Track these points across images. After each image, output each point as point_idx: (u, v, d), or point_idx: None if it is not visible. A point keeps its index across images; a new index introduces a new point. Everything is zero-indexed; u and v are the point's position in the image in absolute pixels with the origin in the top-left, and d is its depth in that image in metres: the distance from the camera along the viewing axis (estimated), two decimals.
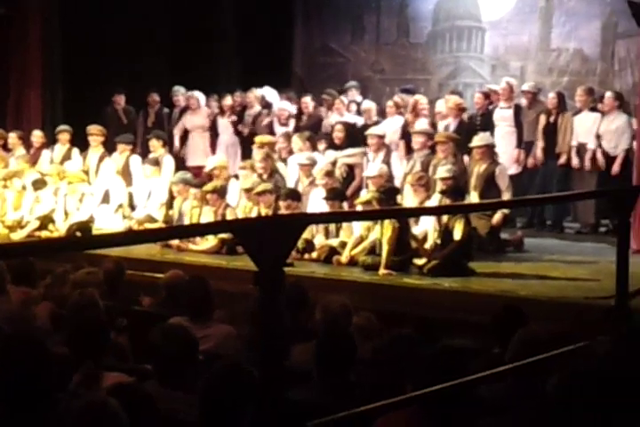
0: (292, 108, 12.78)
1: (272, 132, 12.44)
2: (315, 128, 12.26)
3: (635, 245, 9.09)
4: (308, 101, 12.72)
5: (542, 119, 11.32)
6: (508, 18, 14.45)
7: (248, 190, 10.22)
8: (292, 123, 12.58)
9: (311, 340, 4.89)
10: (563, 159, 11.17)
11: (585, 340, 4.56)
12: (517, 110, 11.58)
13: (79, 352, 4.66)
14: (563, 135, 11.15)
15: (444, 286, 8.19)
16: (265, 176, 10.57)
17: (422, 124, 11.29)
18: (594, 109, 11.10)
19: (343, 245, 9.32)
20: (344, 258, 9.16)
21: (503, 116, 11.56)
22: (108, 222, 11.24)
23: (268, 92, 13.34)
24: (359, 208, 8.99)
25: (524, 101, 11.76)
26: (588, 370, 3.36)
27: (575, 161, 11.07)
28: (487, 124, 11.43)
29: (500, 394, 4.31)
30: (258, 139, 11.72)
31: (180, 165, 12.60)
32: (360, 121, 12.02)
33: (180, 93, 13.65)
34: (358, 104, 12.81)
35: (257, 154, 11.12)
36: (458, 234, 8.73)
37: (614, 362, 3.33)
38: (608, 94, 11.05)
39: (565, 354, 4.28)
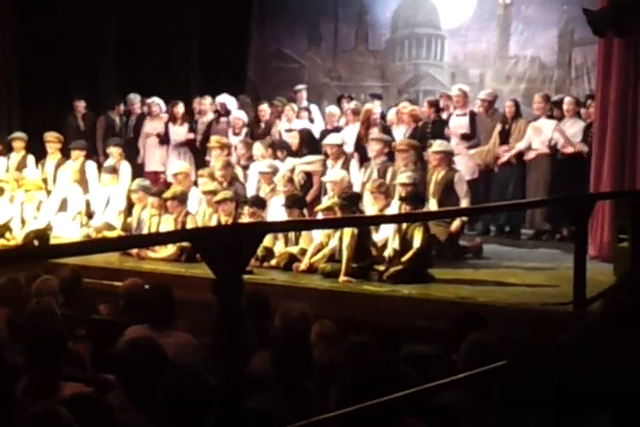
0: (246, 118, 12.75)
1: None
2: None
3: (592, 252, 9.17)
4: (265, 109, 12.76)
5: (498, 127, 11.40)
6: (467, 26, 14.56)
7: (208, 193, 10.20)
8: (244, 132, 12.56)
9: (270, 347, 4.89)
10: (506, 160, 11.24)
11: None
12: (472, 117, 11.64)
13: (36, 362, 4.61)
14: (514, 141, 11.24)
15: (403, 293, 8.20)
16: (225, 184, 10.53)
17: (374, 133, 11.32)
18: (551, 117, 11.19)
19: (303, 252, 9.31)
20: (303, 265, 9.15)
21: (459, 124, 11.60)
22: (65, 230, 11.15)
23: (227, 100, 13.31)
24: (320, 215, 9.00)
25: (477, 108, 11.81)
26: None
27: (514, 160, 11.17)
28: (438, 132, 11.44)
29: (460, 401, 4.32)
30: (215, 139, 11.65)
31: (139, 171, 12.55)
32: (312, 127, 12.06)
33: (137, 101, 13.61)
34: (307, 110, 12.88)
35: (216, 162, 11.08)
36: (417, 241, 8.75)
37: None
38: (567, 99, 11.14)
39: None
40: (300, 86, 13.80)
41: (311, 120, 12.63)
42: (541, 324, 6.85)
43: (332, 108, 12.58)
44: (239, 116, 12.75)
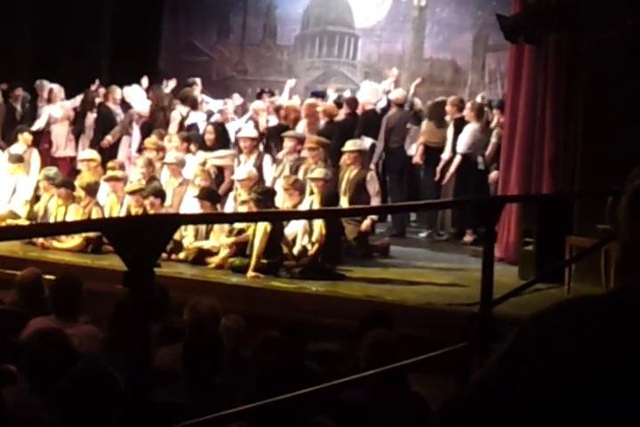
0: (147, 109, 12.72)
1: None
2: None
3: (497, 254, 9.31)
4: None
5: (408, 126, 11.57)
6: (381, 26, 14.63)
7: (116, 181, 10.10)
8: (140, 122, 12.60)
9: (175, 341, 4.85)
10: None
11: (446, 346, 4.62)
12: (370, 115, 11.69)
13: None
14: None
15: (311, 290, 8.22)
16: (143, 182, 10.39)
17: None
18: (459, 120, 11.29)
19: (213, 248, 9.29)
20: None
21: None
22: None
23: (132, 91, 13.20)
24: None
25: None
26: None
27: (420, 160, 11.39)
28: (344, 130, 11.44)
29: (363, 398, 4.34)
30: (151, 140, 11.43)
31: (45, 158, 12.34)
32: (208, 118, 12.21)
33: (47, 88, 13.39)
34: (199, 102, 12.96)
35: (139, 159, 11.01)
36: (314, 236, 8.79)
37: None
38: (468, 105, 11.30)
39: (425, 360, 4.31)
40: (193, 79, 13.72)
41: (209, 112, 12.66)
42: (447, 324, 6.94)
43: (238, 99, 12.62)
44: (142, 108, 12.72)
